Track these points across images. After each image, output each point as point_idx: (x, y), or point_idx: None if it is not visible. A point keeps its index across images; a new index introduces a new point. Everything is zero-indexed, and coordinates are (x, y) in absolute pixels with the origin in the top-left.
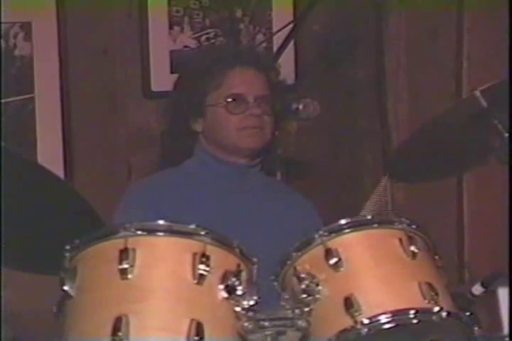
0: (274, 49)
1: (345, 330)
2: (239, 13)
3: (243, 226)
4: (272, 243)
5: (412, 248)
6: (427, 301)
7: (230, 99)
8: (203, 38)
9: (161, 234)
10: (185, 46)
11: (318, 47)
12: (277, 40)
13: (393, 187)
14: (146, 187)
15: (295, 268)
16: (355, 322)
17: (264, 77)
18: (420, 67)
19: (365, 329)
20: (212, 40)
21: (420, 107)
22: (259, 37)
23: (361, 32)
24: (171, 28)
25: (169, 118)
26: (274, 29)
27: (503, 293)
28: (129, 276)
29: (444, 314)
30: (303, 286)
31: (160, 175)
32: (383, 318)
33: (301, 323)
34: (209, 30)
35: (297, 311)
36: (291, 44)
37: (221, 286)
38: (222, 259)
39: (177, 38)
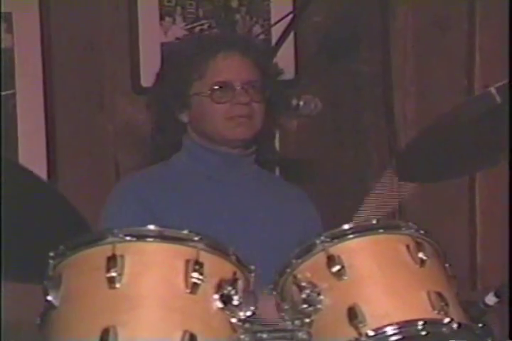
0: (273, 41)
1: None
2: (235, 3)
3: (238, 222)
4: (269, 240)
5: (421, 255)
6: (436, 312)
7: (215, 87)
8: (197, 29)
9: (151, 239)
10: (177, 38)
11: (319, 39)
12: (276, 32)
13: (400, 188)
14: (133, 184)
15: (295, 277)
16: (360, 334)
17: (251, 61)
18: (429, 60)
19: None
20: (206, 32)
21: (429, 104)
22: (257, 28)
23: (366, 23)
24: (161, 19)
25: (155, 111)
26: (273, 20)
27: None
28: (117, 285)
29: (454, 325)
30: (303, 296)
31: (148, 171)
32: (389, 330)
33: (302, 335)
34: (203, 21)
35: (297, 322)
36: (291, 36)
37: (216, 296)
38: (217, 267)
39: (168, 29)
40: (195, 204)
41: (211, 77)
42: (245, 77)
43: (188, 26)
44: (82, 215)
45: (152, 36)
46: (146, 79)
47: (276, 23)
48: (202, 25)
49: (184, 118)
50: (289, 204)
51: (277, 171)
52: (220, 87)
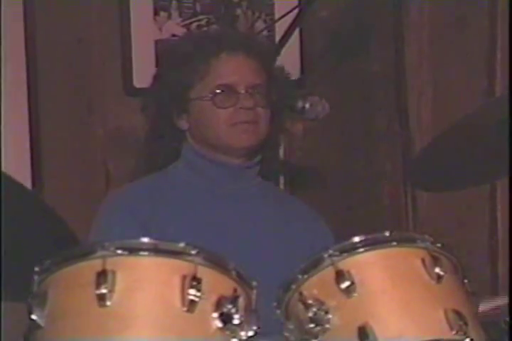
0: (277, 39)
1: None
2: None
3: (239, 238)
4: (273, 256)
5: (437, 270)
6: (454, 332)
7: (217, 91)
8: (194, 25)
9: (145, 253)
10: (173, 35)
11: (327, 36)
12: (280, 29)
13: (415, 197)
14: (127, 195)
15: (301, 293)
16: None
17: (256, 63)
18: (446, 60)
19: None
20: (205, 28)
21: (446, 107)
22: (259, 24)
23: (377, 19)
24: (156, 14)
25: (150, 117)
26: (277, 15)
27: None
28: (108, 303)
29: None
30: (310, 314)
31: (143, 182)
32: None
33: None
34: (200, 17)
35: None
36: (296, 33)
37: (215, 314)
38: (216, 283)
39: (163, 25)
40: (193, 218)
41: (213, 79)
42: (250, 80)
43: (185, 22)
44: (69, 227)
45: (145, 33)
46: (139, 80)
47: (280, 18)
48: (200, 20)
49: (183, 124)
50: (295, 219)
51: (281, 180)
52: (223, 91)
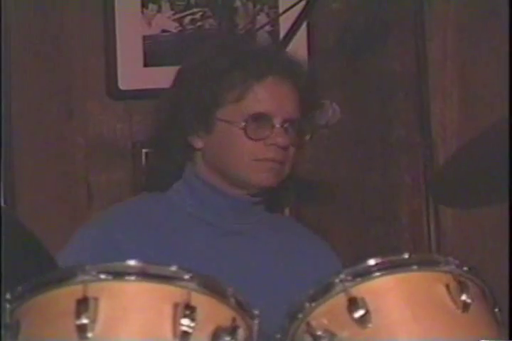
0: (281, 34)
1: None
2: None
3: (240, 273)
4: (277, 292)
5: (464, 297)
6: None
7: (251, 120)
8: (187, 19)
9: (131, 278)
10: (164, 31)
11: (339, 31)
12: (285, 23)
13: (438, 215)
14: (111, 219)
15: (309, 324)
16: None
17: (299, 94)
18: (473, 58)
19: None
20: (199, 23)
21: (473, 112)
22: (261, 18)
23: (396, 11)
24: (144, 6)
25: (158, 123)
26: (281, 8)
27: None
28: (90, 335)
29: None
30: None
31: (132, 205)
32: None
33: None
34: (194, 10)
35: None
36: (304, 27)
37: None
38: (212, 312)
39: (152, 19)
40: (189, 253)
41: (250, 104)
42: (288, 113)
43: (177, 15)
44: (46, 248)
45: (132, 28)
46: (125, 81)
47: (285, 11)
48: (193, 14)
49: (197, 143)
50: (304, 254)
51: None
52: (257, 120)
